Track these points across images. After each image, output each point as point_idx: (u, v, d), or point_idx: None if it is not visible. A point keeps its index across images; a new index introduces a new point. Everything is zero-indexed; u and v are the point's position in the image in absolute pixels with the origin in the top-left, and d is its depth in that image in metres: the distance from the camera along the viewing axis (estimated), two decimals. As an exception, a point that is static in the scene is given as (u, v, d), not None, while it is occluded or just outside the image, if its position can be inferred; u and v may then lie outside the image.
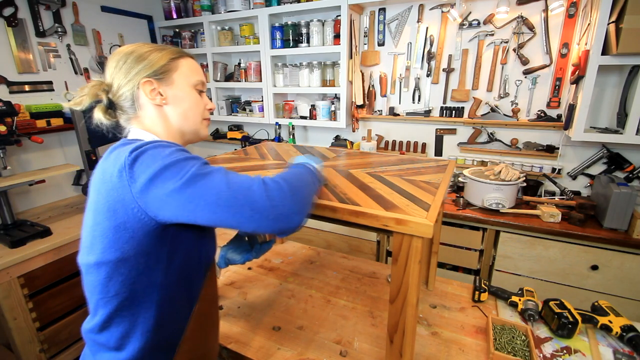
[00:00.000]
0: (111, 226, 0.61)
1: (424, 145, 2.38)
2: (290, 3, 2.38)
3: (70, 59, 2.30)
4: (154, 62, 0.72)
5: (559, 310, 1.00)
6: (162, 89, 0.73)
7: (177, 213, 0.59)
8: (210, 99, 3.04)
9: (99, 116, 0.73)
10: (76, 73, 2.33)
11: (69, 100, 0.73)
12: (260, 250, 1.01)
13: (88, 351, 0.73)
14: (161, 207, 0.59)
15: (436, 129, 2.33)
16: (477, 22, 2.04)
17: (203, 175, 0.59)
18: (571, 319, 0.98)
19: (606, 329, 1.00)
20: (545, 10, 1.86)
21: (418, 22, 2.20)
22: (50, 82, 2.19)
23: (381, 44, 2.36)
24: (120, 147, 0.65)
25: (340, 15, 2.21)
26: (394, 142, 2.47)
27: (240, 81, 2.77)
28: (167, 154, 0.61)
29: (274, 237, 0.88)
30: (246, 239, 1.02)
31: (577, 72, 1.70)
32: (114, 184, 0.60)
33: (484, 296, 1.17)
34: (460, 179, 1.95)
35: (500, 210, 1.81)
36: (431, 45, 2.20)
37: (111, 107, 0.73)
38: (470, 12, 2.05)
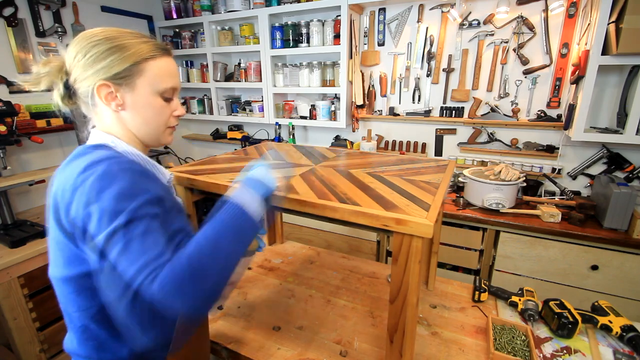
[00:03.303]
0: (65, 243, 0.61)
1: (424, 145, 2.38)
2: (290, 3, 2.38)
3: (70, 59, 2.30)
4: (117, 62, 0.64)
5: (559, 310, 1.00)
6: (121, 94, 0.66)
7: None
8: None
9: (57, 101, 0.69)
10: (76, 73, 2.33)
11: (25, 79, 0.68)
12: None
13: None
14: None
15: (436, 129, 2.33)
16: (477, 22, 2.04)
17: (113, 244, 0.55)
18: (571, 319, 0.98)
19: (606, 329, 1.00)
20: (545, 10, 1.86)
21: (418, 22, 2.20)
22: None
23: (381, 44, 2.36)
24: (76, 159, 0.63)
25: (340, 15, 2.21)
26: (394, 142, 2.47)
27: (240, 81, 2.77)
28: (109, 190, 0.56)
29: (258, 246, 0.83)
30: None
31: (577, 72, 1.70)
32: (64, 201, 0.59)
33: (484, 296, 1.17)
34: (460, 179, 1.95)
35: (500, 210, 1.81)
36: (431, 45, 2.20)
37: (71, 95, 0.69)
38: (470, 12, 2.05)
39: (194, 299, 0.53)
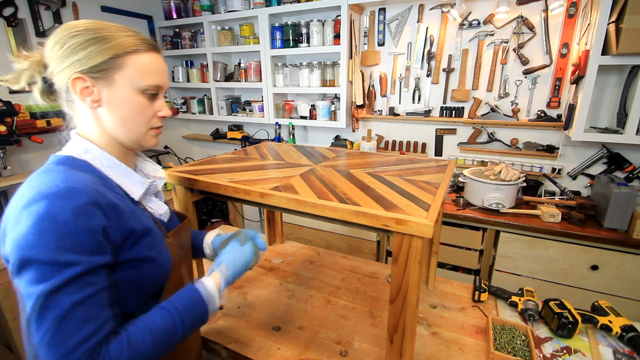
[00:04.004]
0: None
1: (424, 145, 2.38)
2: (290, 3, 2.38)
3: (70, 59, 2.30)
4: (95, 54, 0.60)
5: (559, 310, 1.00)
6: (97, 89, 0.62)
7: None
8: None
9: (36, 96, 0.65)
10: (76, 73, 2.33)
11: (4, 77, 0.64)
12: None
13: None
14: None
15: (436, 129, 2.33)
16: (477, 22, 2.04)
17: (40, 308, 0.50)
18: (571, 319, 0.98)
19: (606, 329, 1.00)
20: (545, 10, 1.86)
21: (418, 22, 2.20)
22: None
23: (381, 44, 2.36)
24: (38, 176, 0.58)
25: (340, 15, 2.21)
26: (394, 142, 2.47)
27: (240, 81, 2.77)
28: (46, 238, 0.50)
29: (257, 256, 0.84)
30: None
31: (577, 72, 1.70)
32: (3, 228, 0.56)
33: (484, 296, 1.17)
34: (460, 179, 1.95)
35: (500, 210, 1.81)
36: (431, 45, 2.20)
37: (50, 90, 0.65)
38: (470, 12, 2.05)
39: None
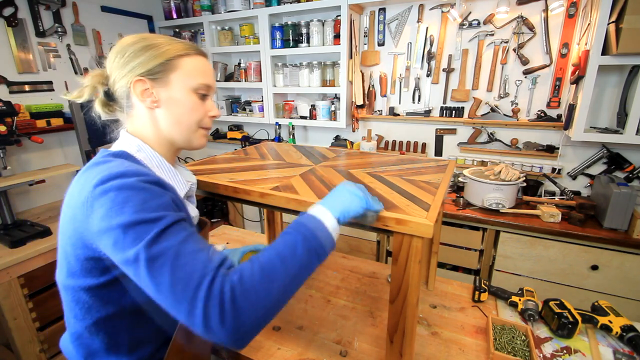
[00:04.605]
0: (73, 254, 0.59)
1: (424, 145, 2.38)
2: (290, 3, 2.38)
3: (70, 59, 2.30)
4: (152, 57, 0.66)
5: (559, 310, 1.00)
6: (156, 90, 0.67)
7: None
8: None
9: (97, 109, 0.71)
10: (76, 73, 2.33)
11: (70, 93, 0.71)
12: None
13: None
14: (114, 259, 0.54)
15: (436, 129, 2.33)
16: (477, 22, 2.04)
17: (149, 261, 0.50)
18: (571, 319, 0.97)
19: (606, 329, 1.00)
20: (545, 10, 1.86)
21: (418, 22, 2.20)
22: (50, 82, 2.19)
23: (381, 44, 2.36)
24: (95, 166, 0.60)
25: (340, 15, 2.21)
26: (394, 142, 2.47)
27: (240, 81, 2.77)
28: (130, 203, 0.53)
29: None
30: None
31: (577, 72, 1.70)
32: (76, 213, 0.57)
33: (484, 296, 1.17)
34: (460, 179, 1.95)
35: (500, 210, 1.81)
36: (431, 45, 2.20)
37: (110, 100, 0.70)
38: (470, 12, 2.05)
39: (263, 307, 0.50)
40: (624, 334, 0.96)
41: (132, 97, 0.68)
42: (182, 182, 0.74)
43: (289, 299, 0.55)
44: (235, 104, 2.96)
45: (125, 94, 0.68)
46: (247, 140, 2.94)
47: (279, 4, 2.43)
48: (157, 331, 0.69)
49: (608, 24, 1.53)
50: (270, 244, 0.58)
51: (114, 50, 0.69)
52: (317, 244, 0.59)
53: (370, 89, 2.45)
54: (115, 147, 0.70)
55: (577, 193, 1.97)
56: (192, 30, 2.90)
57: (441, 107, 2.28)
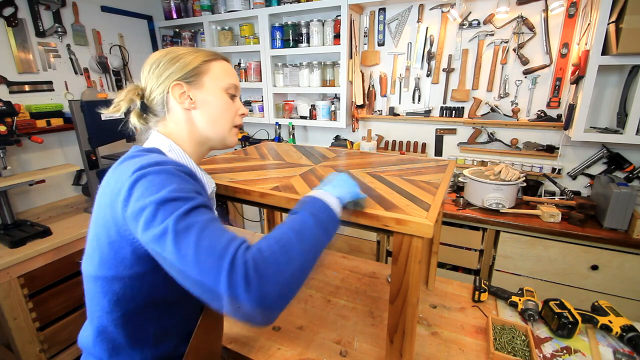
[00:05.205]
0: (107, 242, 0.60)
1: (424, 145, 2.38)
2: (290, 3, 2.38)
3: (70, 59, 2.30)
4: (185, 64, 0.72)
5: (559, 310, 1.00)
6: (192, 93, 0.72)
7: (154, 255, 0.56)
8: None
9: (134, 121, 0.75)
10: (76, 73, 2.33)
11: (107, 108, 0.74)
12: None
13: None
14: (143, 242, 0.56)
15: (436, 129, 2.33)
16: (477, 22, 2.04)
17: (177, 233, 0.51)
18: (571, 319, 0.98)
19: (606, 329, 1.00)
20: (545, 10, 1.86)
21: (418, 22, 2.20)
22: (50, 82, 2.19)
23: (381, 44, 2.36)
24: (130, 159, 0.64)
25: (340, 15, 2.21)
26: (394, 142, 2.47)
27: (240, 81, 2.77)
28: (166, 185, 0.56)
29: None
30: None
31: (577, 72, 1.70)
32: (112, 201, 0.59)
33: (484, 296, 1.17)
34: (460, 179, 1.95)
35: (500, 210, 1.81)
36: (431, 45, 2.20)
37: (145, 111, 0.74)
38: (470, 12, 2.05)
39: (285, 276, 0.51)
40: (624, 334, 0.96)
41: (170, 102, 0.73)
42: (207, 185, 0.78)
43: (309, 273, 0.56)
44: (235, 104, 2.96)
45: (161, 101, 0.73)
46: (247, 140, 2.94)
47: (279, 4, 2.43)
48: (180, 324, 0.71)
49: (608, 24, 1.53)
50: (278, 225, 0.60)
51: (147, 63, 0.74)
52: (325, 218, 0.61)
53: (370, 89, 2.45)
54: (147, 144, 0.73)
55: (577, 193, 1.97)
56: (192, 30, 2.90)
57: (441, 107, 2.28)
